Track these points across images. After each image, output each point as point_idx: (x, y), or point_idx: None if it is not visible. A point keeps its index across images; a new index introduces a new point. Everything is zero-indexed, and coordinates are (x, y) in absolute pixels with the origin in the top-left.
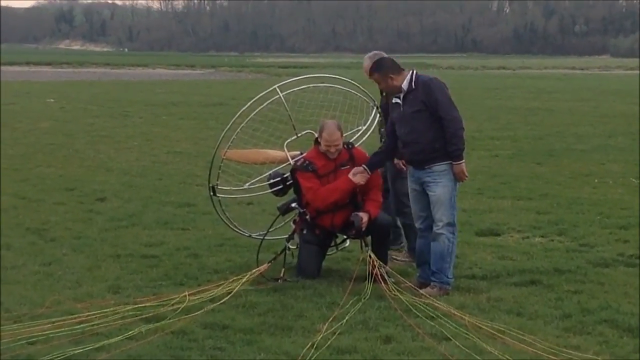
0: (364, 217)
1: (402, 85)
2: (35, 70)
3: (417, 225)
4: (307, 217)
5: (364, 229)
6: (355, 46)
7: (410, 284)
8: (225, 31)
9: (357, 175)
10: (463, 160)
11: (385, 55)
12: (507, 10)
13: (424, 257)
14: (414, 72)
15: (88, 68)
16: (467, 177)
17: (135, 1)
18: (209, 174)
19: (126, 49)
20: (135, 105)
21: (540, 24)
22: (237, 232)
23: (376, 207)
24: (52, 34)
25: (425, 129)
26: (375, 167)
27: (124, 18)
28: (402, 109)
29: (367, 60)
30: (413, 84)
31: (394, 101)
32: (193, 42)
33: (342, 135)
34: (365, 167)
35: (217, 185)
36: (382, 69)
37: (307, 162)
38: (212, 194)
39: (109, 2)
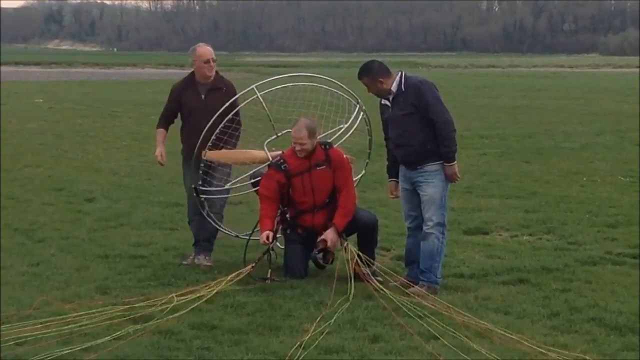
0: (329, 237)
1: (392, 88)
2: (24, 70)
3: (407, 224)
4: (287, 215)
5: (330, 259)
6: (345, 45)
7: (398, 280)
8: (214, 30)
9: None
10: (455, 162)
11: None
12: (497, 9)
13: (413, 256)
14: (403, 73)
15: (77, 68)
16: (459, 178)
17: (124, 1)
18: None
19: (115, 49)
20: (124, 105)
21: (529, 23)
22: (223, 232)
23: (344, 216)
24: (41, 33)
25: (416, 131)
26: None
27: (113, 18)
28: (391, 110)
29: (206, 47)
30: (402, 86)
31: (382, 102)
32: (182, 41)
33: (314, 136)
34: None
35: (198, 186)
36: (371, 73)
37: (281, 160)
38: (195, 194)
39: (98, 1)
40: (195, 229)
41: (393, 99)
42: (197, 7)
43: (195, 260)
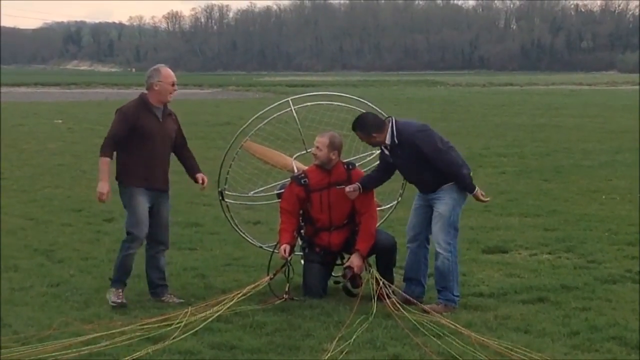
0: (354, 263)
1: (386, 141)
2: (43, 91)
3: (407, 241)
4: (302, 231)
5: (360, 283)
6: (362, 64)
7: (400, 296)
8: (232, 50)
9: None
10: (476, 189)
11: None
12: (514, 27)
13: (412, 273)
14: (393, 123)
15: (96, 88)
16: (486, 199)
17: (142, 21)
18: (218, 177)
19: (134, 69)
20: None
21: (547, 40)
22: (247, 239)
23: (367, 242)
24: (60, 54)
25: (424, 170)
26: (370, 189)
27: (131, 38)
28: (392, 160)
29: (169, 69)
30: (395, 138)
31: (382, 148)
32: (201, 61)
33: (334, 150)
34: (360, 185)
35: (225, 189)
36: (364, 128)
37: (302, 174)
38: (220, 198)
39: (116, 22)
40: (131, 261)
41: (390, 150)
42: (215, 27)
43: (163, 298)
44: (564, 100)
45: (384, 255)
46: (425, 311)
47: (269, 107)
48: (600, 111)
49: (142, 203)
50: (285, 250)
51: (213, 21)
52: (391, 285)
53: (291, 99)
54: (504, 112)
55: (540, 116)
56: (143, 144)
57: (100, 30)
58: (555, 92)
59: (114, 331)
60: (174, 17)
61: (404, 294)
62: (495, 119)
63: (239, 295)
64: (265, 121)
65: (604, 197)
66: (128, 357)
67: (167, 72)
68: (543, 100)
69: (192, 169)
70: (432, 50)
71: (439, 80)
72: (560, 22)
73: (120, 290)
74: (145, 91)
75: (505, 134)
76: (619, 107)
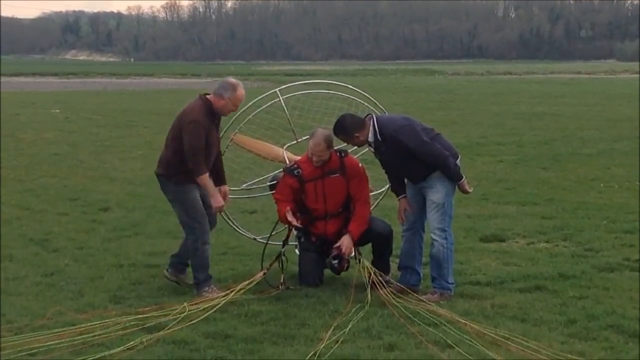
0: (344, 243)
1: (369, 139)
2: (41, 81)
3: (402, 229)
4: (298, 222)
5: (345, 265)
6: (361, 53)
7: (394, 286)
8: (231, 40)
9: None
10: (463, 179)
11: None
12: (513, 16)
13: (407, 261)
14: (374, 120)
15: (94, 78)
16: (470, 190)
17: (140, 11)
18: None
19: (132, 59)
20: (140, 114)
21: (546, 29)
22: (241, 233)
23: (360, 225)
24: (58, 44)
25: (411, 163)
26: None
27: (129, 28)
28: (377, 156)
29: (243, 90)
30: (379, 135)
31: (368, 146)
32: (199, 51)
33: (332, 146)
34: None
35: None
36: (345, 131)
37: (295, 165)
38: None
39: (115, 12)
40: (208, 253)
41: (375, 147)
42: (214, 17)
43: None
44: (562, 89)
45: (380, 243)
46: (420, 301)
47: (258, 98)
48: (599, 100)
49: (199, 198)
50: (291, 215)
51: (211, 11)
52: (385, 275)
53: (279, 90)
54: (502, 101)
55: (539, 105)
56: (205, 151)
57: (98, 20)
58: (553, 80)
59: (108, 320)
60: (172, 7)
61: (398, 285)
62: (494, 107)
63: (236, 291)
64: (253, 114)
65: (602, 185)
66: (122, 347)
67: (241, 95)
68: (542, 89)
69: (218, 179)
70: (431, 40)
71: (437, 69)
72: (559, 10)
73: (213, 286)
74: (209, 94)
75: (503, 122)
76: (618, 95)
